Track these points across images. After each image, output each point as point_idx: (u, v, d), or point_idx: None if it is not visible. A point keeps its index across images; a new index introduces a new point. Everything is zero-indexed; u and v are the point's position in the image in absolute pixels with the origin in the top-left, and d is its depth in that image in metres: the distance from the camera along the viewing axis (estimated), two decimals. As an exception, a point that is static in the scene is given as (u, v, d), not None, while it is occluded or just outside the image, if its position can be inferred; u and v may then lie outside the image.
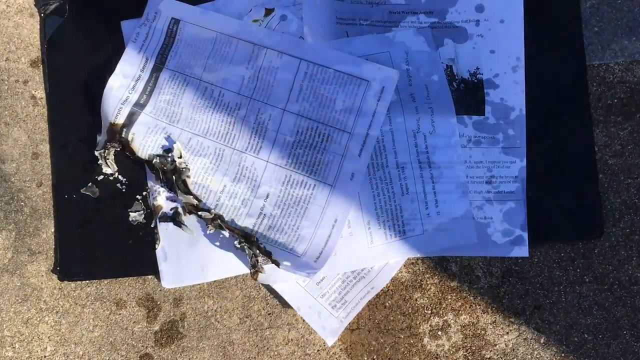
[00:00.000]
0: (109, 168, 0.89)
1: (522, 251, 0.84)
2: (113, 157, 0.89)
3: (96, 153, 0.88)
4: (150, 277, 0.89)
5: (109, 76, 0.89)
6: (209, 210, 0.85)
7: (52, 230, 0.91)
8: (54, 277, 0.90)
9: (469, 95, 0.85)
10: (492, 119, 0.85)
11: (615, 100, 0.86)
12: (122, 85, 0.89)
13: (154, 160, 0.87)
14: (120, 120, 0.88)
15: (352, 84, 0.84)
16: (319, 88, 0.84)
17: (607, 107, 0.86)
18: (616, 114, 0.86)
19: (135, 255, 0.89)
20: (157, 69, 0.89)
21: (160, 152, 0.88)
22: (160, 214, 0.87)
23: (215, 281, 0.88)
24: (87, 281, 0.90)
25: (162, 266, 0.87)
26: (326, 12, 0.87)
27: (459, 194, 0.84)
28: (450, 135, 0.84)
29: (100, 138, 0.89)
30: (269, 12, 0.88)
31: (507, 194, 0.84)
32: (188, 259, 0.87)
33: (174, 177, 0.86)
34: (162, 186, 0.87)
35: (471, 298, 0.86)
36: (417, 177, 0.84)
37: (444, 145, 0.84)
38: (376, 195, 0.85)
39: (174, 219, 0.87)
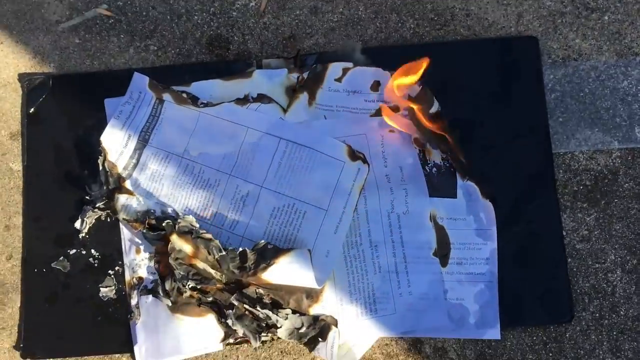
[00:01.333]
0: (80, 224, 0.92)
1: (494, 333, 0.88)
2: (93, 221, 0.93)
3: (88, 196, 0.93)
4: (117, 356, 0.90)
5: (87, 151, 0.94)
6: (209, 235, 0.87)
7: (19, 305, 0.92)
8: (17, 354, 0.90)
9: (441, 178, 0.92)
10: (464, 201, 0.91)
11: (581, 187, 0.93)
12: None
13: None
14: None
15: (329, 164, 0.90)
16: (297, 166, 0.90)
17: (573, 194, 0.93)
18: (582, 200, 0.93)
19: (104, 332, 0.90)
20: (140, 146, 0.94)
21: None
22: (141, 287, 0.89)
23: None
24: (52, 359, 0.90)
25: (141, 341, 0.88)
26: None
27: (431, 274, 0.89)
28: (423, 216, 0.90)
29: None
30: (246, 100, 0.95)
31: (478, 275, 0.89)
32: (165, 333, 0.88)
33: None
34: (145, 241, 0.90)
35: (445, 382, 0.89)
36: (390, 256, 0.89)
37: (416, 225, 0.90)
38: (350, 272, 0.89)
39: (154, 290, 0.89)
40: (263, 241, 0.87)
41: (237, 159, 0.92)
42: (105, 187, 0.92)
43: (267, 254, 0.85)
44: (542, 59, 0.96)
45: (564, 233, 0.91)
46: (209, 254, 0.85)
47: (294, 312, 0.86)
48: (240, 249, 0.85)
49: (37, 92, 0.97)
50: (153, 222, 0.89)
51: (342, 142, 0.91)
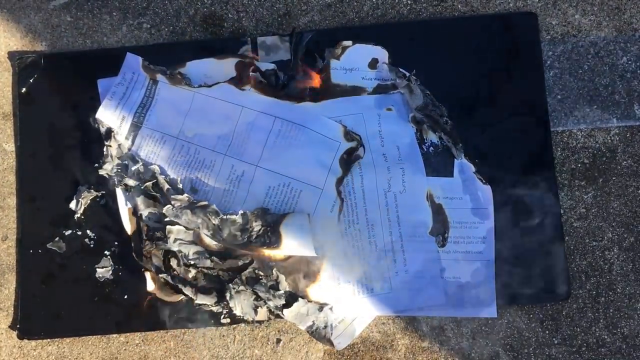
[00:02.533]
0: (75, 205, 0.94)
1: (491, 312, 0.90)
2: (88, 202, 0.94)
3: (101, 172, 0.94)
4: (114, 336, 0.92)
5: (81, 131, 0.95)
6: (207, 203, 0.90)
7: (15, 286, 0.94)
8: (14, 334, 0.92)
9: (438, 158, 0.93)
10: (460, 180, 0.93)
11: (579, 165, 0.94)
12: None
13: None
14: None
15: (325, 144, 0.91)
16: (292, 145, 0.91)
17: (571, 172, 0.94)
18: (580, 178, 0.94)
19: (101, 313, 0.92)
20: (135, 128, 0.95)
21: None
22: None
23: (181, 340, 0.91)
24: (49, 340, 0.92)
25: None
26: None
27: (427, 253, 0.91)
28: (420, 195, 0.92)
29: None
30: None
31: (475, 254, 0.91)
32: None
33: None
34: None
35: (442, 359, 0.91)
36: (386, 235, 0.91)
37: (413, 204, 0.91)
38: (347, 252, 0.90)
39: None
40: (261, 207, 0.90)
41: (232, 139, 0.93)
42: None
43: (267, 217, 0.88)
44: (541, 35, 0.97)
45: (562, 211, 0.93)
46: (209, 219, 0.87)
47: (291, 294, 0.88)
48: (241, 211, 0.88)
49: (28, 71, 0.98)
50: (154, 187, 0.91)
51: (338, 122, 0.92)
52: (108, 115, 0.94)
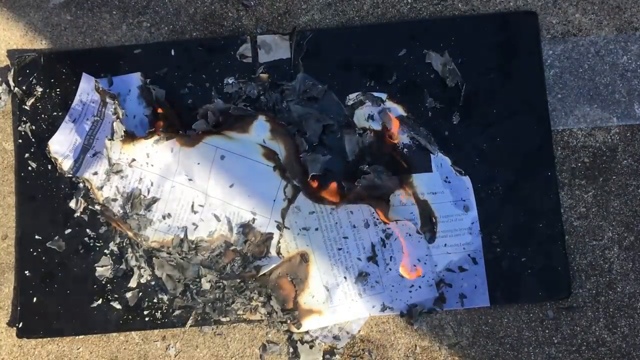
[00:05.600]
0: (75, 204, 0.95)
1: (484, 300, 0.92)
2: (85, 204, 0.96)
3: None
4: (114, 335, 0.93)
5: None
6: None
7: (15, 285, 0.95)
8: (14, 333, 0.94)
9: (414, 155, 0.95)
10: (439, 174, 0.94)
11: (579, 164, 0.96)
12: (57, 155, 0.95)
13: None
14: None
15: (268, 173, 0.93)
16: (235, 176, 0.93)
17: (571, 171, 0.96)
18: (580, 177, 0.95)
19: (100, 312, 0.93)
20: (84, 150, 0.94)
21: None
22: None
23: (181, 339, 0.92)
24: (48, 338, 0.94)
25: None
26: None
27: (416, 249, 0.92)
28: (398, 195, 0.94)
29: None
30: None
31: (463, 245, 0.92)
32: None
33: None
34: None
35: (442, 358, 0.92)
36: (373, 234, 0.92)
37: (397, 202, 0.93)
38: (332, 255, 0.92)
39: None
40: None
41: (177, 165, 0.93)
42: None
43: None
44: (541, 34, 0.98)
45: (562, 210, 0.94)
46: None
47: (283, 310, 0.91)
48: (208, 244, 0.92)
49: (27, 69, 0.99)
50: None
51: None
52: (61, 141, 0.95)
